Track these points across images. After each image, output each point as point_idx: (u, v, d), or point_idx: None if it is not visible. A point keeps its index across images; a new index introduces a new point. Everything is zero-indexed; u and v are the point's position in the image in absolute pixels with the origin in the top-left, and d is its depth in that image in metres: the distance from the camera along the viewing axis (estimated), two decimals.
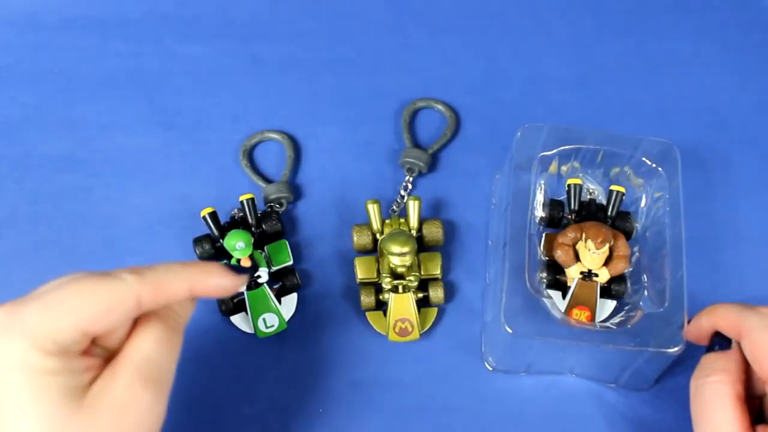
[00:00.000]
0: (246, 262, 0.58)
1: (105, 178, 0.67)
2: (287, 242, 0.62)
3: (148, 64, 0.72)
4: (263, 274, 0.60)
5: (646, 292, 0.56)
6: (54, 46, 0.73)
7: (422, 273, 0.61)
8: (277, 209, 0.64)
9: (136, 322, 0.44)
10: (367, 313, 0.61)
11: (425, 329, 0.60)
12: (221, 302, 0.60)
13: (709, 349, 0.49)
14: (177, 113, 0.70)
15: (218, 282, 0.46)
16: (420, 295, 0.61)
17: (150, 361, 0.43)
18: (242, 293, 0.60)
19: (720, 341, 0.49)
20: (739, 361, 0.47)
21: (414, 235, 0.61)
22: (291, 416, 0.58)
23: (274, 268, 0.61)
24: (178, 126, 0.69)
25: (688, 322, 0.52)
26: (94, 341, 0.43)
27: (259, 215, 0.62)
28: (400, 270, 0.60)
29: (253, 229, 0.61)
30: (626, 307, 0.57)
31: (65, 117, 0.70)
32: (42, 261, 0.63)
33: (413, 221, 0.61)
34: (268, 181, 0.66)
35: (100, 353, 0.43)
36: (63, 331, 0.40)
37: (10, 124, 0.69)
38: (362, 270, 0.61)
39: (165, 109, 0.70)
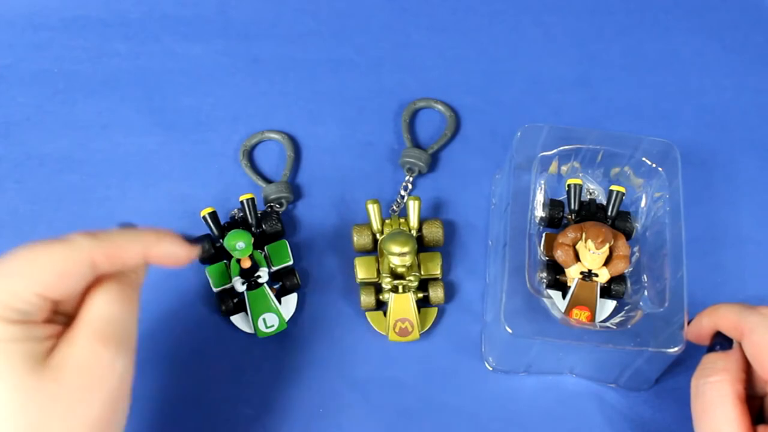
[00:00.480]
0: (246, 263, 0.58)
1: (105, 178, 0.67)
2: (287, 242, 0.62)
3: (148, 64, 0.72)
4: (263, 274, 0.60)
5: (646, 292, 0.56)
6: (54, 46, 0.73)
7: (422, 273, 0.61)
8: (277, 209, 0.64)
9: (91, 286, 0.44)
10: (367, 313, 0.61)
11: (425, 329, 0.60)
12: (221, 302, 0.60)
13: (710, 349, 0.49)
14: (177, 113, 0.70)
15: (170, 248, 0.46)
16: (420, 295, 0.61)
17: (105, 318, 0.43)
18: (242, 293, 0.60)
19: (721, 341, 0.49)
20: (740, 361, 0.47)
21: (414, 235, 0.61)
22: (291, 416, 0.58)
23: (274, 268, 0.61)
24: (178, 126, 0.69)
25: (689, 322, 0.52)
26: (55, 310, 0.43)
27: (259, 215, 0.62)
28: (400, 270, 0.60)
29: (253, 229, 0.61)
30: (626, 307, 0.57)
31: (65, 117, 0.70)
32: None
33: (413, 221, 0.61)
34: (268, 181, 0.66)
35: (62, 320, 0.43)
36: (21, 298, 0.40)
37: (10, 124, 0.69)
38: (362, 270, 0.61)
39: (165, 109, 0.70)
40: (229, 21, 0.75)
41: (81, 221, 0.65)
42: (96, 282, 0.44)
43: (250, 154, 0.68)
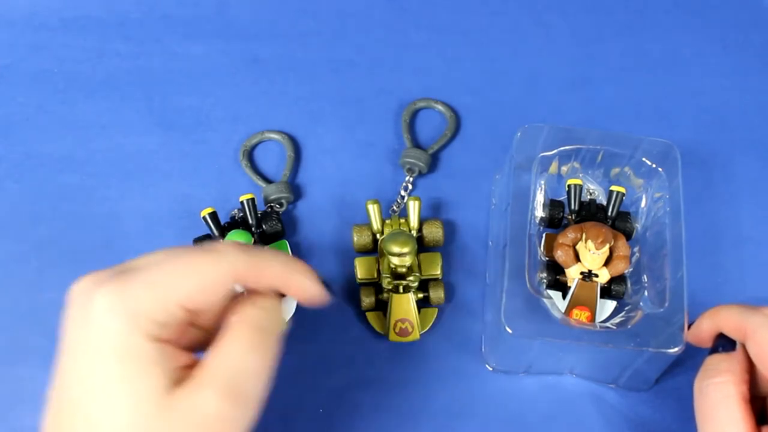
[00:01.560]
0: None
1: (105, 178, 0.67)
2: (287, 242, 0.62)
3: (148, 64, 0.72)
4: None
5: (646, 293, 0.56)
6: (54, 46, 0.73)
7: (422, 273, 0.61)
8: (277, 209, 0.64)
9: (224, 325, 0.42)
10: (367, 313, 0.61)
11: (425, 329, 0.60)
12: None
13: (713, 350, 0.49)
14: (177, 113, 0.70)
15: (307, 283, 0.44)
16: (420, 295, 0.61)
17: (238, 371, 0.41)
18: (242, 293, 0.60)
19: (724, 343, 0.49)
20: (743, 362, 0.47)
21: (414, 235, 0.61)
22: (291, 416, 0.58)
23: None
24: (178, 126, 0.69)
25: (689, 324, 0.52)
26: (192, 322, 0.43)
27: (259, 215, 0.62)
28: (400, 270, 0.60)
29: (253, 229, 0.61)
30: (626, 308, 0.57)
31: (65, 117, 0.70)
32: (42, 261, 0.63)
33: (413, 221, 0.61)
34: (268, 181, 0.66)
35: (196, 334, 0.43)
36: (165, 309, 0.39)
37: (10, 124, 0.69)
38: (362, 270, 0.61)
39: (165, 109, 0.70)
40: (229, 21, 0.75)
41: (81, 221, 0.65)
42: (232, 321, 0.42)
43: (250, 154, 0.68)
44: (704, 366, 0.48)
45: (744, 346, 0.47)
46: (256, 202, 0.62)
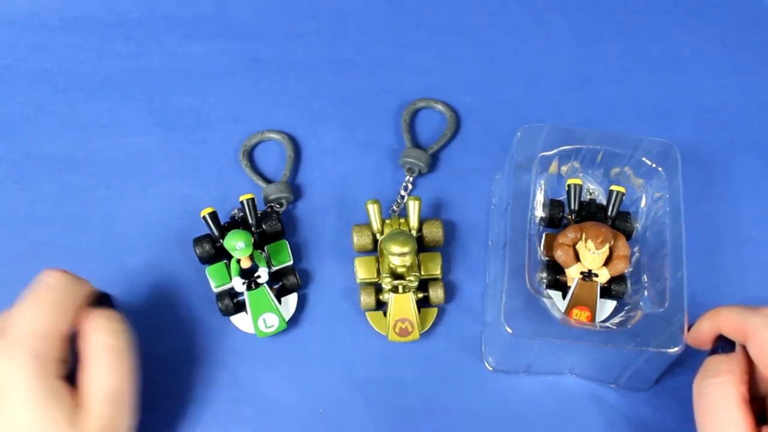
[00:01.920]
0: (246, 263, 0.58)
1: (105, 178, 0.67)
2: (287, 242, 0.62)
3: (148, 64, 0.72)
4: (263, 274, 0.59)
5: (646, 293, 0.56)
6: (54, 46, 0.73)
7: (422, 273, 0.61)
8: (277, 209, 0.64)
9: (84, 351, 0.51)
10: (367, 313, 0.61)
11: (425, 329, 0.60)
12: (221, 302, 0.60)
13: (713, 351, 0.49)
14: (177, 113, 0.70)
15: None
16: (420, 295, 0.61)
17: (110, 389, 0.50)
18: (242, 293, 0.60)
19: (723, 344, 0.49)
20: (743, 363, 0.47)
21: (414, 235, 0.61)
22: (291, 416, 0.58)
23: (274, 268, 0.61)
24: (178, 126, 0.69)
25: (689, 326, 0.51)
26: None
27: (259, 215, 0.62)
28: (400, 270, 0.60)
29: (253, 229, 0.61)
30: (626, 308, 0.57)
31: (65, 117, 0.70)
32: (42, 261, 0.63)
33: (413, 221, 0.61)
34: (268, 181, 0.66)
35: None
36: (60, 347, 0.49)
37: (10, 124, 0.69)
38: (362, 270, 0.61)
39: (165, 109, 0.70)
40: (229, 21, 0.75)
41: (81, 221, 0.65)
42: (89, 343, 0.50)
43: (250, 154, 0.68)
44: (703, 367, 0.48)
45: (744, 347, 0.47)
46: (256, 202, 0.62)
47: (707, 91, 0.72)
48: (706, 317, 0.50)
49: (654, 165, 0.59)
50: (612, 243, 0.56)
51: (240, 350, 0.60)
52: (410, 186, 0.66)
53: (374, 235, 0.62)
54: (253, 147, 0.69)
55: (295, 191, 0.66)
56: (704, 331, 0.50)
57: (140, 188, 0.66)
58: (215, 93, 0.71)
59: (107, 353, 0.50)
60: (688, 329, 0.51)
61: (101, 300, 0.53)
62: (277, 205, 0.64)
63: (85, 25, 0.74)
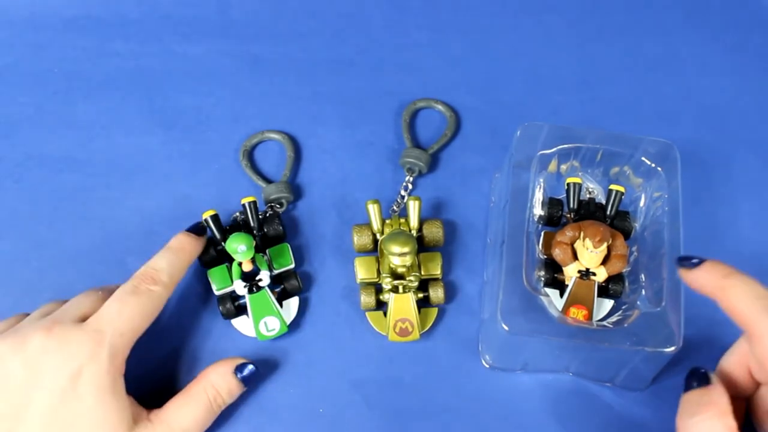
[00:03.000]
0: (248, 266, 0.58)
1: (105, 178, 0.67)
2: (289, 245, 0.62)
3: (148, 64, 0.72)
4: (265, 277, 0.59)
5: (643, 292, 0.56)
6: (54, 46, 0.73)
7: (422, 273, 0.61)
8: (277, 209, 0.64)
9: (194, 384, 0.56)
10: (367, 313, 0.61)
11: (425, 329, 0.60)
12: (222, 305, 0.60)
13: (688, 387, 0.47)
14: (177, 113, 0.70)
15: None
16: (420, 295, 0.61)
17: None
18: (243, 297, 0.60)
19: (698, 378, 0.47)
20: (724, 394, 0.46)
21: (414, 235, 0.61)
22: (291, 416, 0.58)
23: (275, 271, 0.61)
24: (178, 126, 0.69)
25: (691, 263, 0.50)
26: None
27: (261, 218, 0.62)
28: (400, 270, 0.60)
29: (255, 232, 0.61)
30: (623, 307, 0.57)
31: (65, 117, 0.70)
32: (42, 261, 0.63)
33: (413, 221, 0.61)
34: (268, 181, 0.66)
35: None
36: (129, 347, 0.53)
37: (10, 124, 0.69)
38: (362, 270, 0.61)
39: (165, 109, 0.70)
40: (229, 21, 0.75)
41: (81, 221, 0.65)
42: (203, 380, 0.55)
43: (250, 154, 0.68)
44: (684, 403, 0.47)
45: (719, 379, 0.46)
46: (258, 205, 0.62)
47: (707, 91, 0.72)
48: (714, 274, 0.48)
49: (653, 165, 0.59)
50: (610, 242, 0.56)
51: (240, 350, 0.60)
52: (410, 186, 0.66)
53: (374, 235, 0.62)
54: (253, 147, 0.69)
55: (295, 191, 0.66)
56: (705, 284, 0.48)
57: (140, 188, 0.66)
58: (215, 93, 0.71)
59: (207, 405, 0.54)
60: (683, 263, 0.50)
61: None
62: (277, 205, 0.64)
63: (85, 25, 0.74)
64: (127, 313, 0.52)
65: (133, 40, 0.74)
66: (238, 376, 0.56)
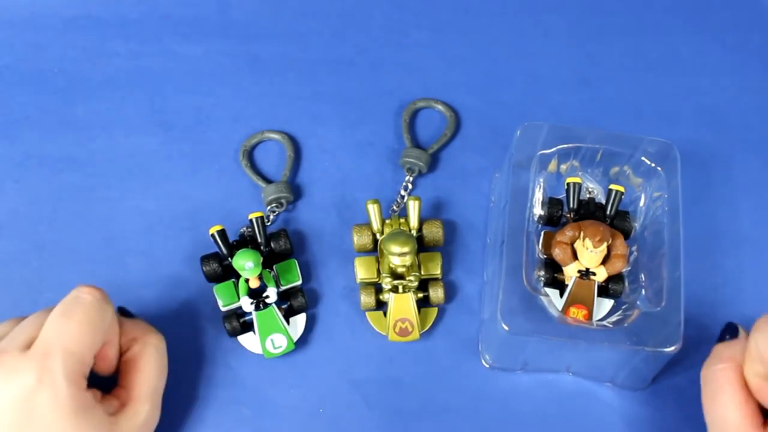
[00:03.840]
0: (255, 282, 0.57)
1: (105, 178, 0.67)
2: (296, 261, 0.62)
3: (148, 64, 0.72)
4: (272, 294, 0.59)
5: (643, 292, 0.56)
6: (54, 46, 0.73)
7: (422, 273, 0.61)
8: (276, 210, 0.64)
9: (131, 355, 0.54)
10: (367, 313, 0.61)
11: (425, 329, 0.60)
12: (228, 322, 0.59)
13: (720, 339, 0.50)
14: (177, 113, 0.70)
15: None
16: (420, 295, 0.61)
17: (156, 386, 0.54)
18: (250, 313, 0.59)
19: (730, 330, 0.50)
20: (744, 348, 0.48)
21: (414, 235, 0.61)
22: (291, 416, 0.58)
23: (282, 288, 0.61)
24: (178, 126, 0.69)
25: (730, 334, 0.51)
26: None
27: (268, 234, 0.61)
28: (400, 270, 0.60)
29: (262, 247, 0.61)
30: (623, 306, 0.57)
31: (65, 117, 0.70)
32: (42, 261, 0.63)
33: (413, 221, 0.61)
34: (268, 181, 0.66)
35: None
36: (86, 362, 0.49)
37: (10, 123, 0.69)
38: (362, 270, 0.61)
39: (165, 109, 0.70)
40: (229, 21, 0.75)
41: (81, 221, 0.65)
42: (139, 347, 0.54)
43: (250, 154, 0.68)
44: (710, 355, 0.50)
45: (746, 333, 0.48)
46: (265, 221, 0.62)
47: (707, 91, 0.72)
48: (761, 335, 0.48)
49: (653, 164, 0.59)
50: (610, 242, 0.56)
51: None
52: (410, 186, 0.66)
53: (374, 235, 0.62)
54: (253, 147, 0.69)
55: (295, 191, 0.66)
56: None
57: (140, 188, 0.66)
58: (215, 93, 0.71)
59: (159, 356, 0.55)
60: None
61: (123, 313, 0.57)
62: (278, 205, 0.64)
63: (85, 25, 0.74)
64: (74, 327, 0.48)
65: (133, 40, 0.74)
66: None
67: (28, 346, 0.48)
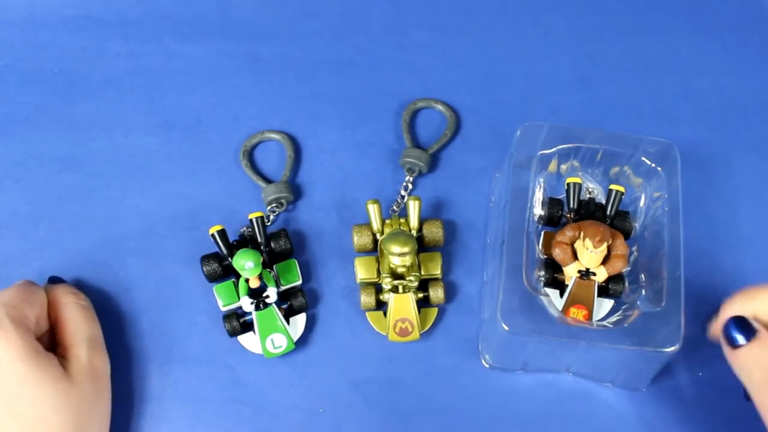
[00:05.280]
0: (255, 282, 0.57)
1: (105, 178, 0.67)
2: (296, 261, 0.62)
3: (148, 64, 0.72)
4: (272, 294, 0.59)
5: (643, 292, 0.56)
6: (54, 46, 0.73)
7: (422, 273, 0.61)
8: (276, 210, 0.64)
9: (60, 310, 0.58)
10: (367, 313, 0.61)
11: (425, 329, 0.60)
12: (228, 322, 0.59)
13: (731, 342, 0.48)
14: (177, 113, 0.70)
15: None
16: (420, 295, 0.61)
17: (90, 334, 0.57)
18: (249, 313, 0.59)
19: (743, 331, 0.48)
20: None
21: (414, 235, 0.61)
22: (291, 416, 0.58)
23: (282, 288, 0.61)
24: (178, 126, 0.69)
25: (710, 318, 0.51)
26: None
27: (268, 234, 0.61)
28: (400, 270, 0.60)
29: (262, 247, 0.61)
30: (623, 307, 0.57)
31: (65, 117, 0.70)
32: (42, 261, 0.63)
33: (413, 221, 0.61)
34: (268, 181, 0.66)
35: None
36: (37, 323, 0.55)
37: (10, 123, 0.69)
38: (362, 270, 0.61)
39: (165, 109, 0.70)
40: (230, 21, 0.75)
41: (81, 221, 0.65)
42: (65, 303, 0.58)
43: (250, 154, 0.68)
44: (748, 358, 0.48)
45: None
46: (265, 221, 0.62)
47: (707, 91, 0.72)
48: (735, 301, 0.49)
49: (653, 165, 0.59)
50: (610, 242, 0.56)
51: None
52: (410, 186, 0.66)
53: (374, 235, 0.62)
54: (253, 147, 0.69)
55: (295, 191, 0.66)
56: (732, 314, 0.49)
57: (140, 188, 0.66)
58: (215, 93, 0.71)
59: (78, 309, 0.58)
60: (710, 320, 0.51)
61: (53, 281, 0.61)
62: (278, 205, 0.64)
63: (85, 24, 0.74)
64: (11, 290, 0.55)
65: (133, 40, 0.74)
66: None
67: None
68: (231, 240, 0.61)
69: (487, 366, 0.59)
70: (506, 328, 0.52)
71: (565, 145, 0.60)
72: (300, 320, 0.61)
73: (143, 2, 0.75)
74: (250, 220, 0.61)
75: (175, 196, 0.66)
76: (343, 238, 0.64)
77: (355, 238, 0.62)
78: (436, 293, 0.61)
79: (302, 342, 0.60)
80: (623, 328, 0.53)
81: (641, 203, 0.60)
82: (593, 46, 0.75)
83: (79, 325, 0.57)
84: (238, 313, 0.60)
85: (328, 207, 0.66)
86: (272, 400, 0.58)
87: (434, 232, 0.62)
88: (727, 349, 0.49)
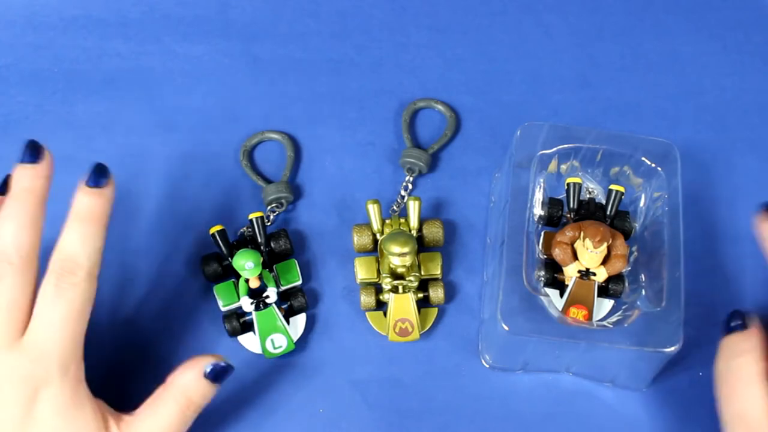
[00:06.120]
0: (255, 282, 0.57)
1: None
2: (296, 261, 0.62)
3: (148, 64, 0.72)
4: (272, 294, 0.59)
5: (643, 292, 0.56)
6: (54, 46, 0.73)
7: (422, 273, 0.61)
8: (276, 210, 0.64)
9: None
10: (367, 313, 0.61)
11: (425, 329, 0.60)
12: (227, 323, 0.59)
13: (728, 330, 0.50)
14: (177, 113, 0.70)
15: None
16: (420, 295, 0.61)
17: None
18: (249, 313, 0.59)
19: (737, 317, 0.50)
20: (761, 339, 0.48)
21: (414, 235, 0.61)
22: (291, 416, 0.58)
23: (282, 288, 0.61)
24: (178, 126, 0.69)
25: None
26: None
27: (268, 234, 0.61)
28: (400, 270, 0.60)
29: (262, 247, 0.61)
30: (623, 306, 0.57)
31: (65, 117, 0.69)
32: (42, 261, 0.63)
33: (413, 221, 0.61)
34: (268, 181, 0.66)
35: None
36: None
37: (10, 123, 0.69)
38: (362, 270, 0.61)
39: (165, 109, 0.70)
40: (229, 21, 0.75)
41: None
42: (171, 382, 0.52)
43: (250, 154, 0.68)
44: (723, 348, 0.50)
45: (758, 323, 0.48)
46: (265, 221, 0.62)
47: (707, 91, 0.72)
48: None
49: (653, 165, 0.59)
50: (610, 242, 0.56)
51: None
52: (410, 186, 0.66)
53: (374, 235, 0.62)
54: (253, 147, 0.69)
55: (295, 191, 0.66)
56: None
57: (140, 188, 0.66)
58: (215, 93, 0.71)
59: (179, 414, 0.51)
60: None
61: None
62: (278, 205, 0.64)
63: (85, 24, 0.74)
64: (59, 322, 0.48)
65: (133, 40, 0.73)
66: (209, 377, 0.51)
67: (19, 331, 0.48)
68: (231, 240, 0.61)
69: (487, 366, 0.59)
70: (506, 328, 0.52)
71: (565, 145, 0.60)
72: (300, 320, 0.61)
73: (143, 2, 0.75)
74: (250, 220, 0.61)
75: (175, 196, 0.66)
76: (343, 238, 0.64)
77: (355, 238, 0.62)
78: (436, 293, 0.61)
79: (302, 342, 0.60)
80: (623, 328, 0.53)
81: (641, 203, 0.60)
82: (593, 46, 0.75)
83: (159, 424, 0.51)
84: (238, 313, 0.60)
85: (328, 207, 0.66)
86: (272, 400, 0.58)
87: (434, 232, 0.62)
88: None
